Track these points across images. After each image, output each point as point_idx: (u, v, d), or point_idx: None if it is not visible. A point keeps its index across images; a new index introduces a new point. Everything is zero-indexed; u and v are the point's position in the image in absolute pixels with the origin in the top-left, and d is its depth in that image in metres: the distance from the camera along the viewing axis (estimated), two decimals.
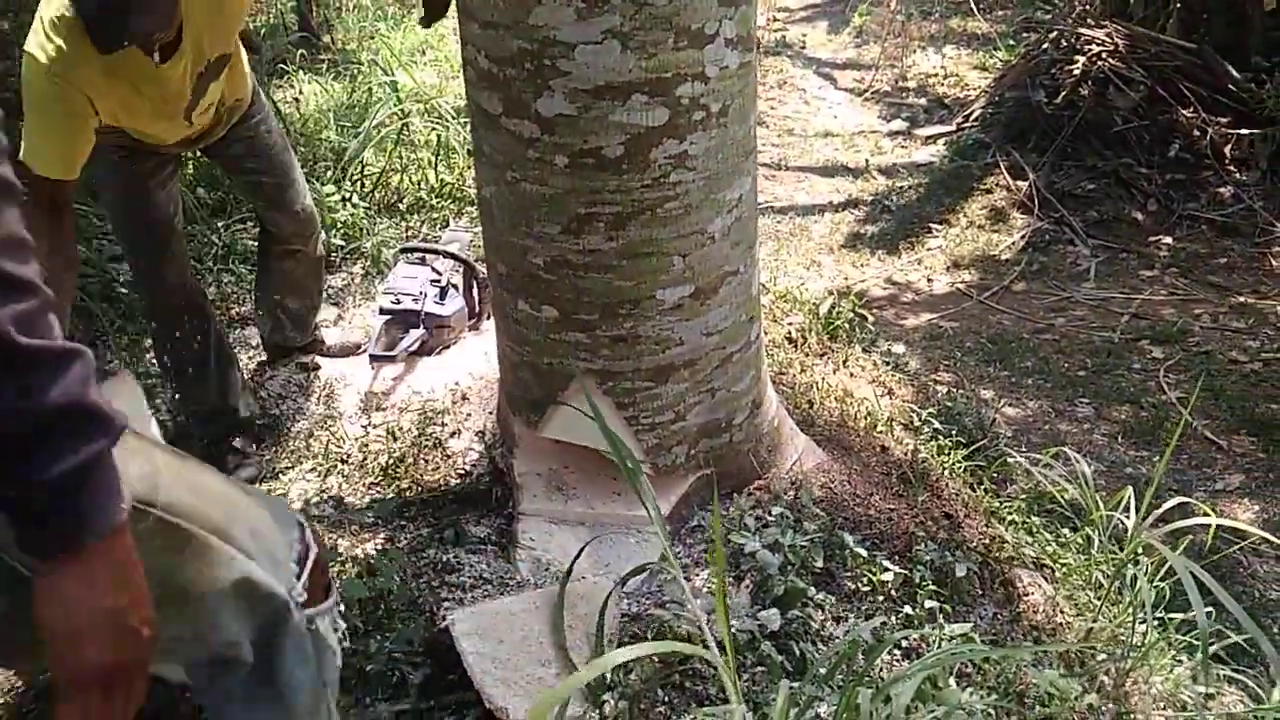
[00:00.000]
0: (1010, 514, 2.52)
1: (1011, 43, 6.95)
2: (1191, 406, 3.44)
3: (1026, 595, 2.30)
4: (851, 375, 3.25)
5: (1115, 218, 5.18)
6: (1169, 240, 5.01)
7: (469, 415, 2.54)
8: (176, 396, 2.58)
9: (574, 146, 1.87)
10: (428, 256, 2.96)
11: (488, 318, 3.00)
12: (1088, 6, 6.05)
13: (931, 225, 5.27)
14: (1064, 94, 5.47)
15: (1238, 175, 5.11)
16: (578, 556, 1.91)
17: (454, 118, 4.35)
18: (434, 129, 4.32)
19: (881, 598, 2.03)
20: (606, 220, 1.92)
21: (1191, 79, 5.25)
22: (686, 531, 2.20)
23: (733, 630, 1.80)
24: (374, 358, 2.73)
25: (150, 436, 1.21)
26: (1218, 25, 5.40)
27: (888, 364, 3.38)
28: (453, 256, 2.93)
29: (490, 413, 2.55)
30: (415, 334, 2.72)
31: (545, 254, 1.99)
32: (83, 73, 1.86)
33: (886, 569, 2.04)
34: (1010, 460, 2.81)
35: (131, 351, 3.02)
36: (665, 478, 2.17)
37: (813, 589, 2.03)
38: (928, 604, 2.00)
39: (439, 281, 2.85)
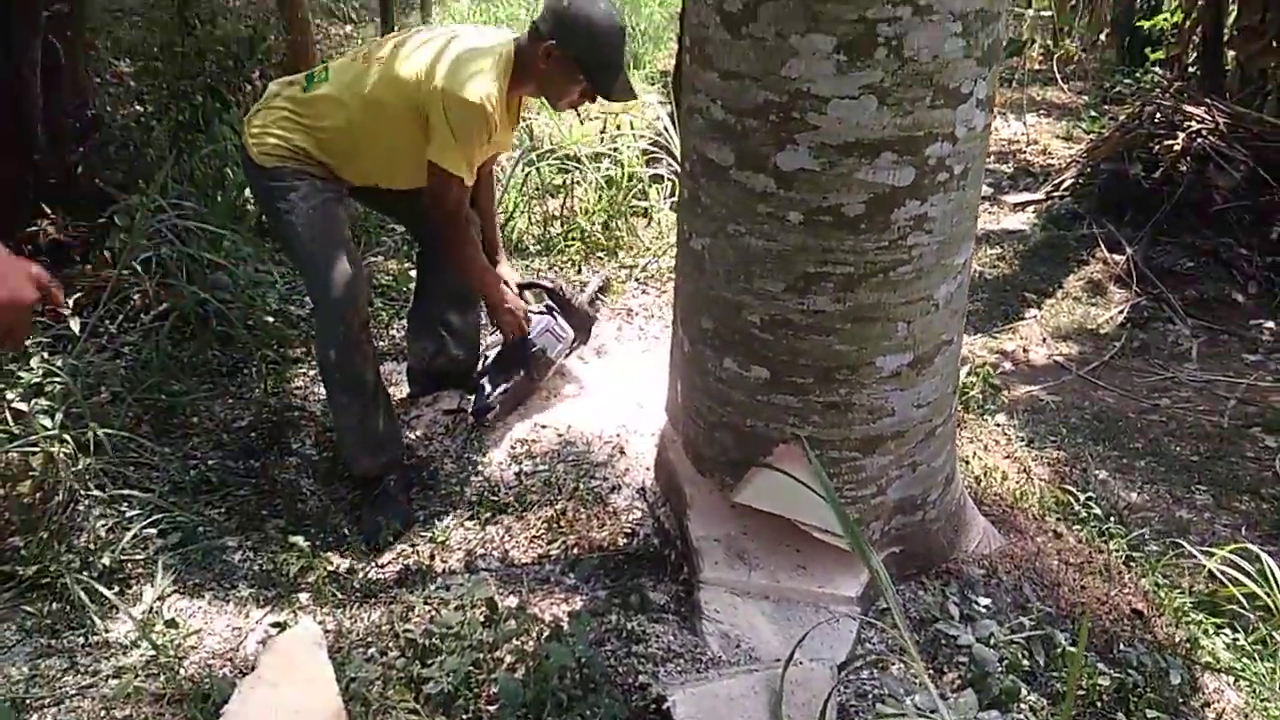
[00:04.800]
0: (1189, 611, 2.40)
1: (1094, 114, 6.91)
2: None
3: (1215, 702, 2.17)
4: (986, 449, 3.14)
5: (1215, 298, 5.08)
6: (1271, 324, 4.90)
7: (627, 470, 2.44)
8: (336, 427, 2.55)
9: (811, 203, 1.79)
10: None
11: (592, 325, 2.92)
12: (1182, 82, 6.02)
13: (1026, 294, 5.18)
14: (1162, 169, 5.40)
15: None
16: (799, 643, 1.78)
17: (587, 164, 4.31)
18: (563, 174, 4.29)
19: (1096, 702, 1.90)
20: (836, 281, 1.84)
21: None
22: (875, 614, 2.08)
23: None
24: (476, 413, 2.65)
25: None
26: None
27: (1020, 439, 3.27)
28: (533, 285, 2.86)
29: (648, 468, 2.45)
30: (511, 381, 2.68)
31: (763, 312, 1.91)
32: (499, 114, 2.36)
33: (1103, 672, 1.91)
34: (1171, 552, 2.70)
35: (273, 378, 2.93)
36: (856, 555, 2.06)
37: (1024, 688, 1.91)
38: (1149, 714, 1.88)
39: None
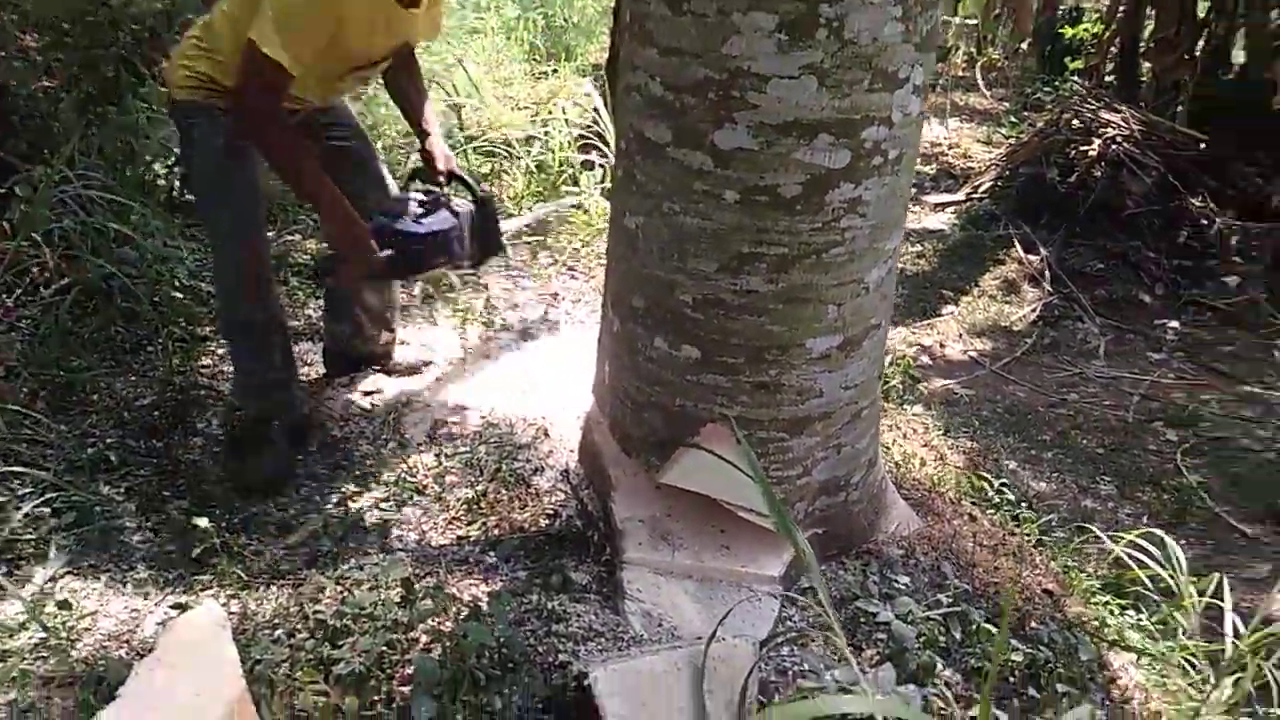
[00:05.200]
0: (1097, 592, 2.47)
1: (1014, 120, 7.09)
2: (1214, 493, 3.47)
3: (1118, 679, 2.24)
4: (905, 436, 3.19)
5: (1123, 298, 5.25)
6: (1175, 324, 5.09)
7: (551, 452, 2.40)
8: (235, 375, 2.51)
9: (748, 182, 1.78)
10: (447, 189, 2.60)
11: (498, 254, 2.78)
12: (1101, 89, 6.20)
13: (944, 291, 5.29)
14: (1078, 174, 5.57)
15: (1242, 266, 5.24)
16: (722, 621, 1.77)
17: (517, 148, 4.23)
18: (490, 159, 4.20)
19: (1010, 677, 1.94)
20: (770, 261, 1.83)
21: (1202, 169, 5.39)
22: (797, 592, 2.08)
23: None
24: (320, 269, 2.57)
25: None
26: (1225, 119, 5.58)
27: (937, 428, 3.33)
28: (465, 183, 2.58)
29: (572, 450, 2.41)
30: (383, 255, 2.33)
31: (696, 291, 1.89)
32: None
33: (1016, 648, 1.95)
34: (1079, 537, 2.78)
35: (179, 356, 2.81)
36: (780, 536, 2.06)
37: (940, 662, 1.93)
38: (1059, 688, 1.92)
39: (426, 202, 2.47)
